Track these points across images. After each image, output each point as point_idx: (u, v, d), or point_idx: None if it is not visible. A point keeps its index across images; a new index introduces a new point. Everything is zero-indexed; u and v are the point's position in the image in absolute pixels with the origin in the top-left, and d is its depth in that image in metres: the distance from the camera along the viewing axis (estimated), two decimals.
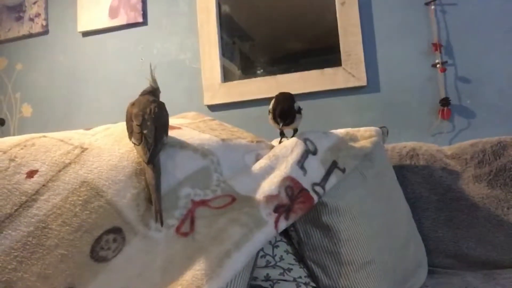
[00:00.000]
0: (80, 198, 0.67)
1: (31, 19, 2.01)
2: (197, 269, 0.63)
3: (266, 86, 1.71)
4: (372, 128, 1.15)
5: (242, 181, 0.81)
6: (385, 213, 1.04)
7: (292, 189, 0.84)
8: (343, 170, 0.96)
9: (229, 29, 1.84)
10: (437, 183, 1.29)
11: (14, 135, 1.99)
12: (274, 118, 0.98)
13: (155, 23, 1.90)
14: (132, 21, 1.90)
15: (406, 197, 1.20)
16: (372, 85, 1.63)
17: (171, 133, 0.84)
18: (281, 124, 0.97)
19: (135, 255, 0.64)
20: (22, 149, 0.76)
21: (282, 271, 0.90)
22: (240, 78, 1.81)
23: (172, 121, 1.02)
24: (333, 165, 0.96)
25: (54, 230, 0.64)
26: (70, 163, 0.72)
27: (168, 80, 1.82)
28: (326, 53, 1.70)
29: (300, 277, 0.91)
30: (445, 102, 1.54)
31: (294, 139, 0.97)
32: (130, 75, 1.89)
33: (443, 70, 1.56)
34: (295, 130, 1.05)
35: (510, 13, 1.52)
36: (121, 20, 1.91)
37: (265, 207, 0.77)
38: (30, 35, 2.02)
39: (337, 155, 0.98)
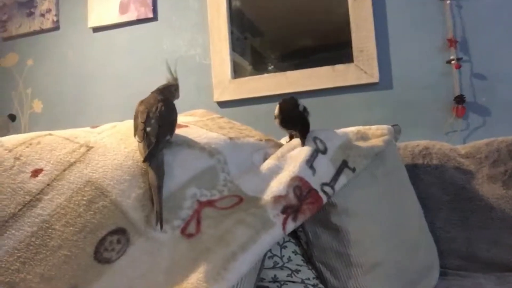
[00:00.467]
0: (84, 198, 0.66)
1: (42, 15, 2.01)
2: (201, 272, 0.62)
3: (276, 82, 1.69)
4: (384, 126, 1.13)
5: (250, 181, 0.80)
6: (396, 213, 1.02)
7: (301, 189, 0.82)
8: (353, 170, 0.94)
9: (240, 24, 1.82)
10: (450, 183, 1.26)
11: (25, 130, 2.00)
12: (282, 124, 0.97)
13: (165, 19, 1.88)
14: (142, 16, 1.89)
15: (418, 197, 1.17)
16: (385, 82, 1.60)
17: (178, 131, 0.83)
18: (287, 127, 0.97)
19: (139, 256, 0.63)
20: (27, 147, 0.75)
21: (290, 272, 0.88)
22: (251, 74, 1.78)
23: (180, 118, 1.01)
24: (343, 165, 0.94)
25: (58, 231, 0.63)
26: (75, 162, 0.71)
27: (178, 77, 1.80)
28: (337, 49, 1.67)
29: (308, 279, 0.89)
30: (459, 99, 1.51)
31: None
32: (140, 71, 1.88)
33: (458, 67, 1.52)
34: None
35: None
36: (131, 16, 1.90)
37: (272, 207, 0.75)
38: (41, 31, 2.02)
39: (347, 154, 0.96)
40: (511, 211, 1.18)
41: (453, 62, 1.52)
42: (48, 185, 0.68)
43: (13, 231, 0.64)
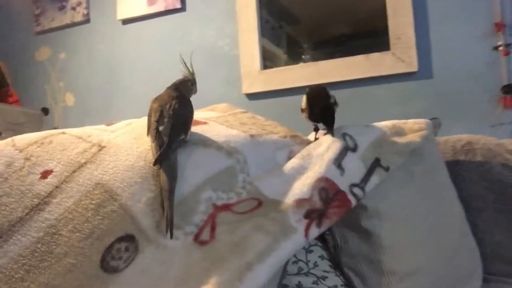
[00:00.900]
0: (93, 202, 0.63)
1: (73, 8, 2.02)
2: (215, 283, 0.57)
3: (307, 73, 1.63)
4: (422, 120, 1.04)
5: (271, 182, 0.74)
6: (434, 215, 0.94)
7: (327, 191, 0.76)
8: (387, 169, 0.87)
9: (276, 12, 1.77)
10: (496, 181, 1.16)
11: (58, 124, 2.03)
12: (311, 116, 0.90)
13: (193, 9, 1.85)
14: (170, 7, 1.86)
15: (460, 196, 1.08)
16: (424, 71, 1.50)
17: (196, 128, 0.79)
18: (315, 119, 0.89)
19: (148, 265, 0.59)
20: (39, 147, 0.73)
21: (316, 279, 0.83)
22: (286, 63, 1.74)
23: (200, 114, 0.96)
24: (375, 163, 0.87)
25: (64, 237, 0.60)
26: (85, 163, 0.68)
27: (206, 68, 1.77)
28: (372, 36, 1.59)
29: (336, 286, 0.83)
30: (508, 89, 1.40)
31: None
32: (169, 63, 1.85)
33: (507, 53, 1.41)
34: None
35: None
36: (159, 7, 1.88)
37: (294, 212, 0.69)
38: (73, 24, 2.04)
39: (380, 152, 0.89)
40: None
41: (500, 48, 1.41)
42: (57, 187, 0.66)
43: (19, 237, 0.61)
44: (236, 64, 1.75)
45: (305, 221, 0.69)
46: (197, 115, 0.95)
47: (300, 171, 0.78)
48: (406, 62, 1.50)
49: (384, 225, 0.85)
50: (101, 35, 2.00)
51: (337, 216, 0.74)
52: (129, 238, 0.60)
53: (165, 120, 0.68)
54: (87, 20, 2.02)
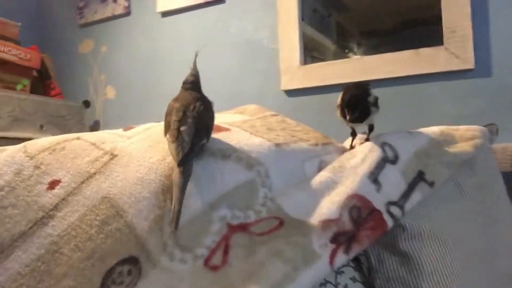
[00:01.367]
0: (98, 218, 0.59)
1: (114, 1, 2.02)
2: None
3: (351, 69, 1.52)
4: (476, 127, 0.93)
5: (295, 198, 0.67)
6: (488, 237, 0.84)
7: (359, 211, 0.68)
8: (431, 184, 0.78)
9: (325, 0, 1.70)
10: None
11: (99, 117, 2.05)
12: (342, 112, 0.80)
13: (232, 0, 1.78)
14: None
15: None
16: (482, 68, 1.35)
17: (217, 135, 0.73)
18: (348, 117, 0.78)
19: None
20: (50, 154, 0.70)
21: None
22: (334, 54, 1.66)
23: (227, 117, 0.90)
24: (419, 177, 0.77)
25: (65, 256, 0.56)
26: (95, 173, 0.64)
27: (244, 62, 1.71)
28: (423, 30, 1.46)
29: None
30: None
31: (369, 143, 0.80)
32: (208, 56, 1.80)
33: None
34: (371, 128, 0.86)
35: None
36: None
37: (320, 235, 0.62)
38: (114, 17, 2.04)
39: (424, 164, 0.79)
40: None
41: None
42: (63, 199, 0.62)
43: (20, 253, 0.58)
44: (275, 59, 1.67)
45: (331, 246, 0.61)
46: (224, 117, 0.89)
47: (329, 186, 0.70)
48: (462, 58, 1.36)
49: (426, 248, 0.75)
50: (140, 27, 1.98)
51: (369, 239, 0.66)
52: (133, 261, 0.56)
53: (189, 121, 0.63)
54: (127, 13, 2.01)
